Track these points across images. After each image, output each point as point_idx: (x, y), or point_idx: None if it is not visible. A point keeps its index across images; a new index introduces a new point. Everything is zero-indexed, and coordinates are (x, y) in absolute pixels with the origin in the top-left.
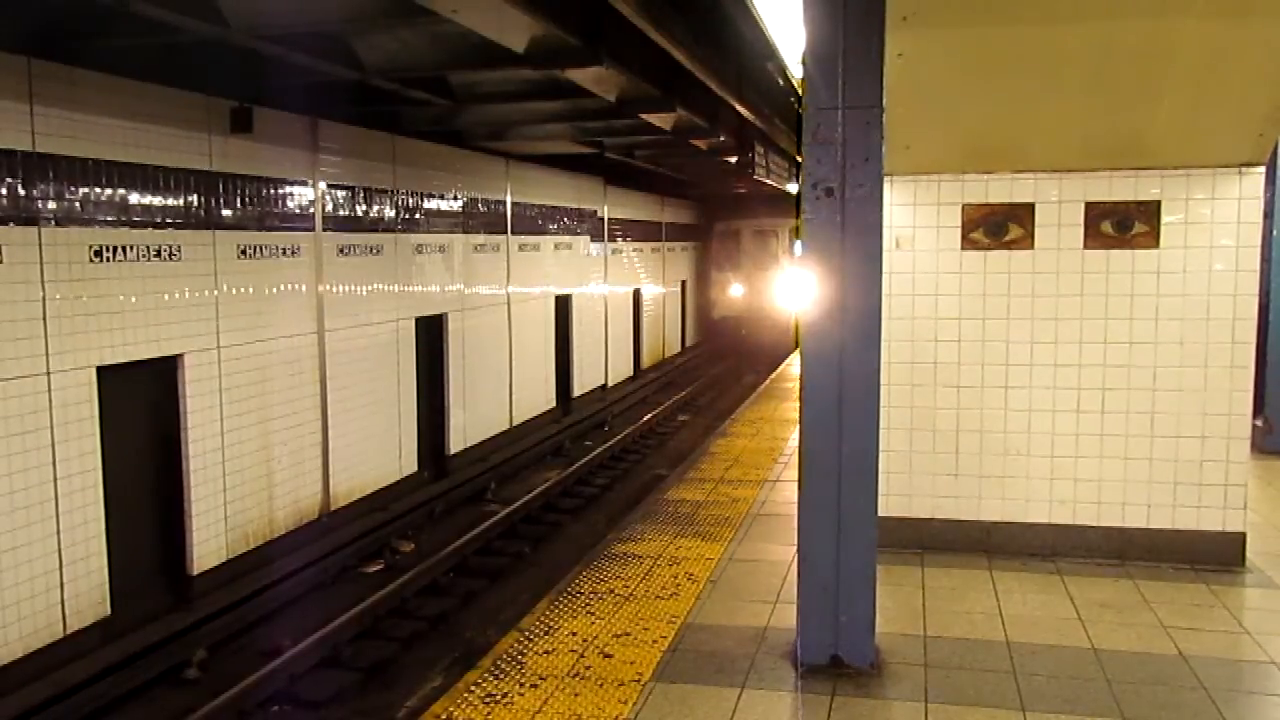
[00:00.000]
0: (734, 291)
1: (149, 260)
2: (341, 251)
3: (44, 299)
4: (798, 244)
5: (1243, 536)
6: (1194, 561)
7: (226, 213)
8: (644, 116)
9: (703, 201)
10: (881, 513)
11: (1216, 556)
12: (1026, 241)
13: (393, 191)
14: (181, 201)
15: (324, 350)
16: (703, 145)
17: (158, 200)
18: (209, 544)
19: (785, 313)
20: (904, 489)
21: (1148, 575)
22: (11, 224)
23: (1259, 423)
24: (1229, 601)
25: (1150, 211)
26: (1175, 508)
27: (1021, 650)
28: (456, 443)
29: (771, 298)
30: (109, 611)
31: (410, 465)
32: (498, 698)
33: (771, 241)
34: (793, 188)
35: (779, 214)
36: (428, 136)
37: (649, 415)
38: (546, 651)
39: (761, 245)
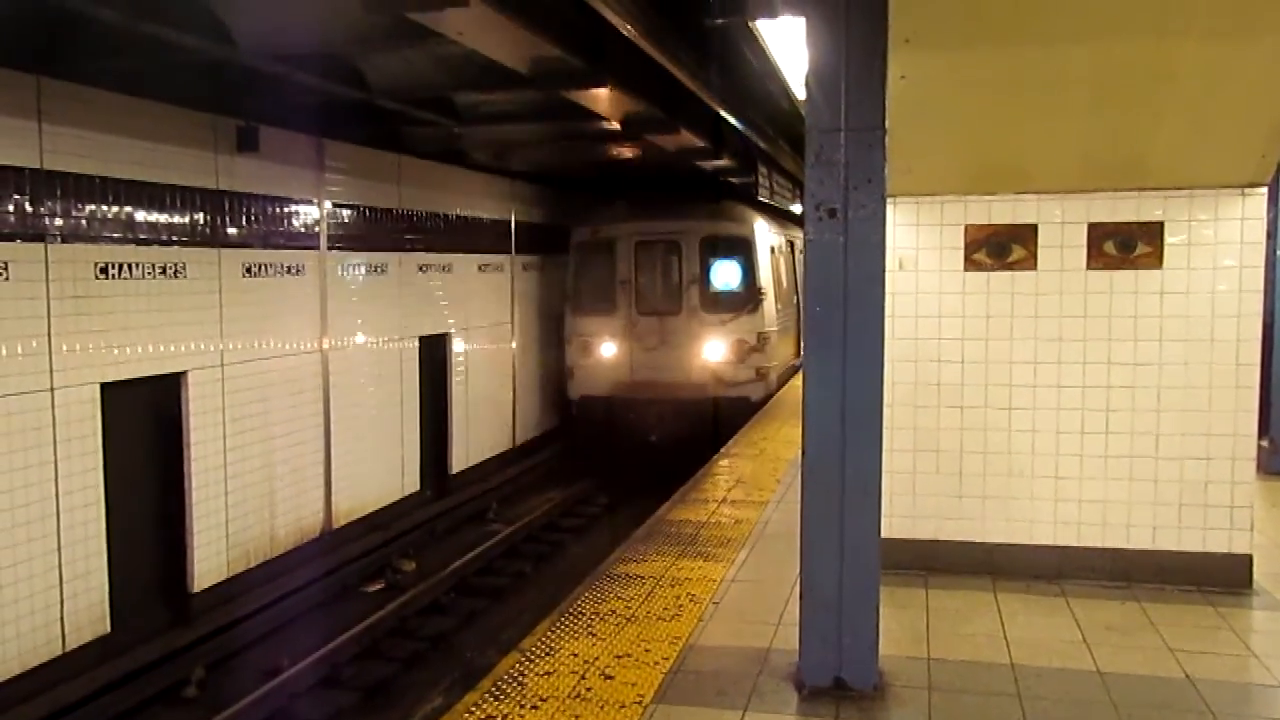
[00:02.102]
0: (605, 351)
1: (154, 278)
2: (346, 270)
3: (49, 315)
4: (757, 260)
5: (1249, 558)
6: (1200, 583)
7: (232, 231)
8: (647, 137)
9: (551, 188)
10: (885, 534)
11: (1223, 578)
12: (1030, 262)
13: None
14: (187, 219)
15: (327, 368)
16: (707, 167)
17: (164, 218)
18: (209, 561)
19: (719, 382)
20: (907, 510)
21: (1153, 597)
22: (18, 240)
23: (1264, 444)
24: (1236, 624)
25: (1153, 232)
26: (1181, 529)
27: (1026, 673)
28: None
29: (688, 360)
30: (108, 629)
31: (413, 484)
32: (497, 719)
33: (682, 259)
34: (797, 208)
35: (701, 211)
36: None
37: None
38: (547, 673)
39: (664, 267)
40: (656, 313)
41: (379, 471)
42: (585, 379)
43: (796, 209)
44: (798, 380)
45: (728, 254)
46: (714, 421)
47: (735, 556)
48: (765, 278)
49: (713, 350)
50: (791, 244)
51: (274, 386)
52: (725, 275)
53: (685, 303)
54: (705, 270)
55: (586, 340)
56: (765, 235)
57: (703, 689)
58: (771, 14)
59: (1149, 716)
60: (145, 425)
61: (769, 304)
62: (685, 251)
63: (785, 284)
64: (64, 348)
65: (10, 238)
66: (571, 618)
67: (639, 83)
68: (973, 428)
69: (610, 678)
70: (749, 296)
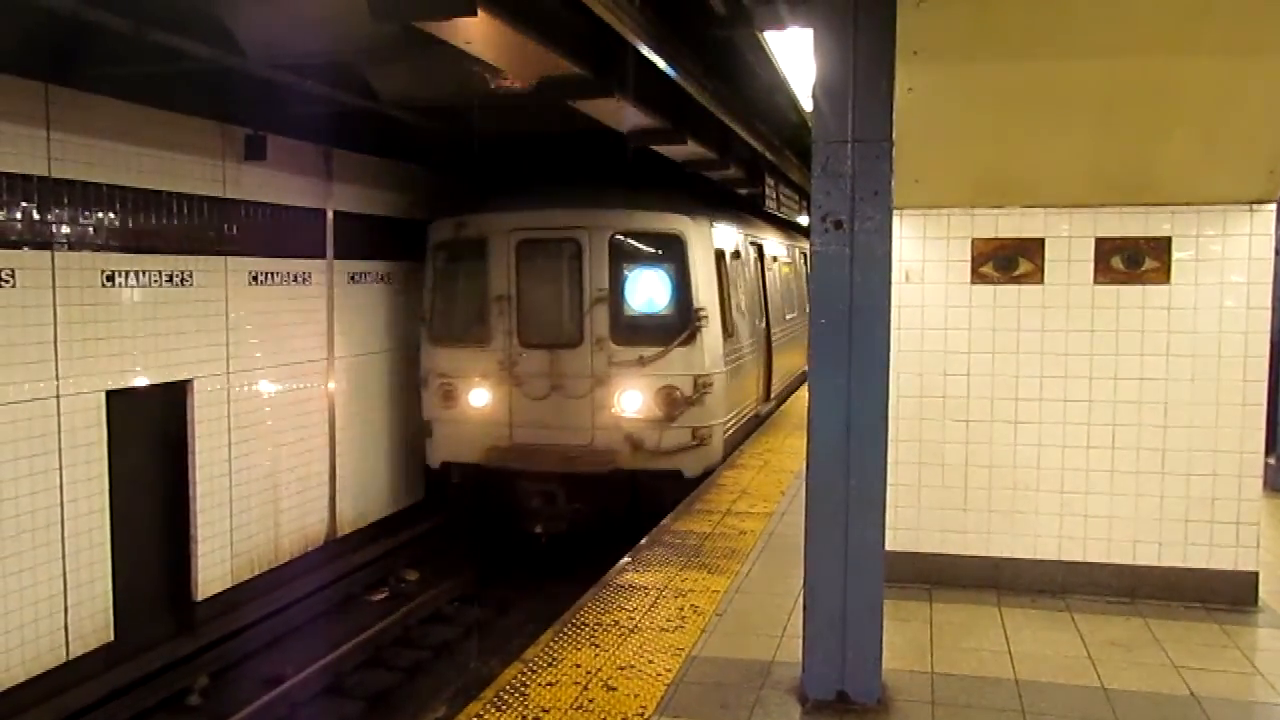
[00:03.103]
0: (475, 400)
1: (160, 285)
2: (352, 279)
3: (55, 322)
4: (693, 269)
5: (1255, 576)
6: (1206, 600)
7: (239, 239)
8: (655, 148)
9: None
10: (889, 547)
11: (1228, 595)
12: (1036, 276)
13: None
14: (194, 227)
15: (333, 376)
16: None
17: (170, 226)
18: (214, 569)
19: (637, 450)
20: (912, 523)
21: (1159, 614)
22: (25, 248)
23: (1271, 461)
24: (1241, 641)
25: (1161, 247)
26: (1187, 545)
27: (1030, 689)
28: None
29: (592, 416)
30: (112, 637)
31: (417, 492)
32: None
33: (585, 267)
34: (803, 220)
35: (614, 198)
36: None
37: None
38: (550, 683)
39: (559, 279)
40: (547, 345)
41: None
42: (447, 439)
43: (803, 220)
44: (803, 392)
45: (652, 260)
46: (630, 507)
47: (739, 568)
48: (706, 294)
49: (629, 401)
50: (759, 247)
51: (283, 394)
52: (647, 290)
53: (588, 330)
54: (618, 283)
55: (449, 383)
56: (710, 233)
57: (705, 701)
58: (779, 25)
59: None
60: (150, 433)
61: (712, 333)
62: (589, 255)
63: (750, 302)
64: (70, 355)
65: (18, 245)
66: (574, 628)
67: (646, 93)
68: (978, 441)
69: (613, 689)
70: (682, 322)
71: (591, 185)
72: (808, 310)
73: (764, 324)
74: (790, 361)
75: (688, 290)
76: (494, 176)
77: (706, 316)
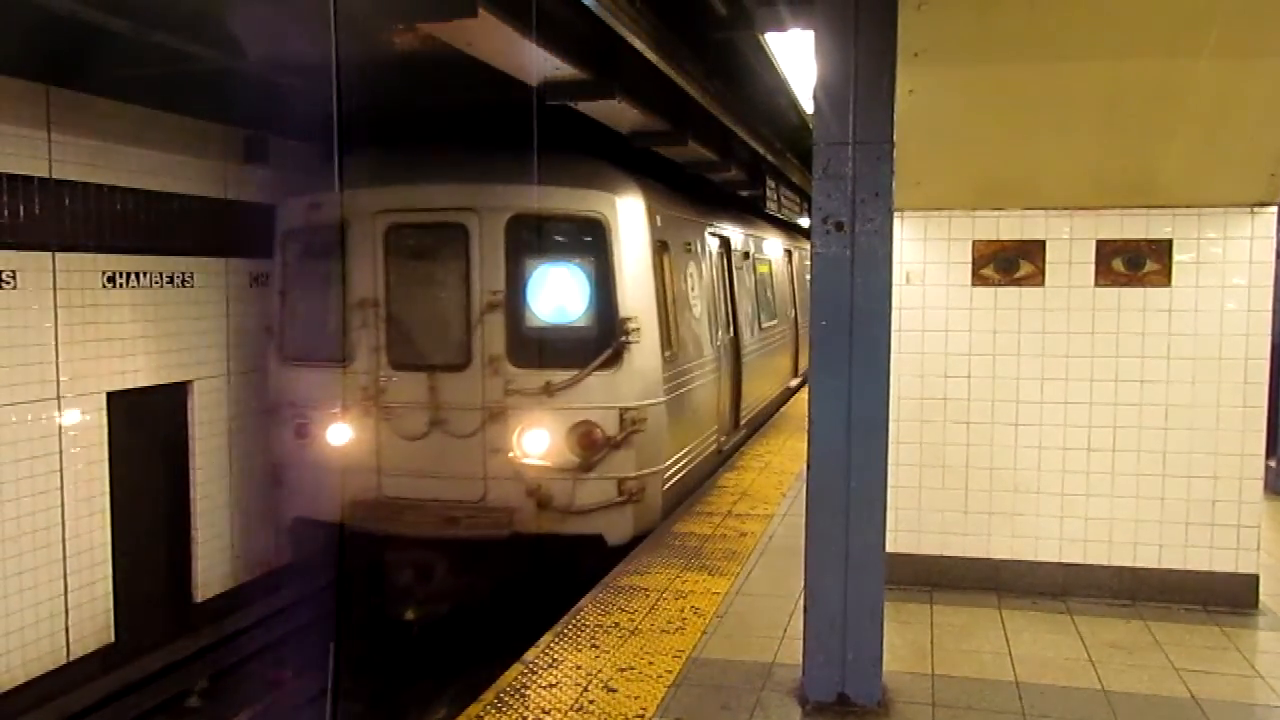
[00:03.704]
0: (334, 438)
1: (161, 287)
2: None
3: (56, 324)
4: (619, 265)
5: (1255, 578)
6: (1206, 603)
7: (240, 240)
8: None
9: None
10: (889, 549)
11: (1229, 598)
12: (1037, 278)
13: None
14: (195, 228)
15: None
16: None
17: (171, 227)
18: (214, 570)
19: (544, 508)
20: (912, 525)
21: (1159, 616)
22: (27, 249)
23: (1272, 463)
24: (1241, 644)
25: (1162, 250)
26: (1187, 548)
27: (1031, 691)
28: None
29: (483, 461)
30: (112, 638)
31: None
32: None
33: (474, 262)
34: (804, 221)
35: (512, 169)
36: None
37: None
38: (550, 685)
39: (440, 277)
40: (425, 366)
41: None
42: (301, 489)
43: (804, 222)
44: (803, 394)
45: (564, 252)
46: (534, 583)
47: (740, 570)
48: (638, 298)
49: (532, 443)
50: (724, 240)
51: None
52: (558, 294)
53: (478, 347)
54: (518, 284)
55: (302, 415)
56: (647, 218)
57: (706, 703)
58: (780, 27)
59: None
60: (151, 434)
61: (645, 350)
62: (479, 246)
63: (709, 308)
64: (71, 357)
65: (19, 246)
66: (575, 630)
67: (647, 95)
68: (979, 443)
69: (613, 690)
70: (603, 336)
71: (485, 151)
72: (793, 316)
73: (730, 335)
74: (767, 379)
75: (611, 294)
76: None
77: (638, 329)
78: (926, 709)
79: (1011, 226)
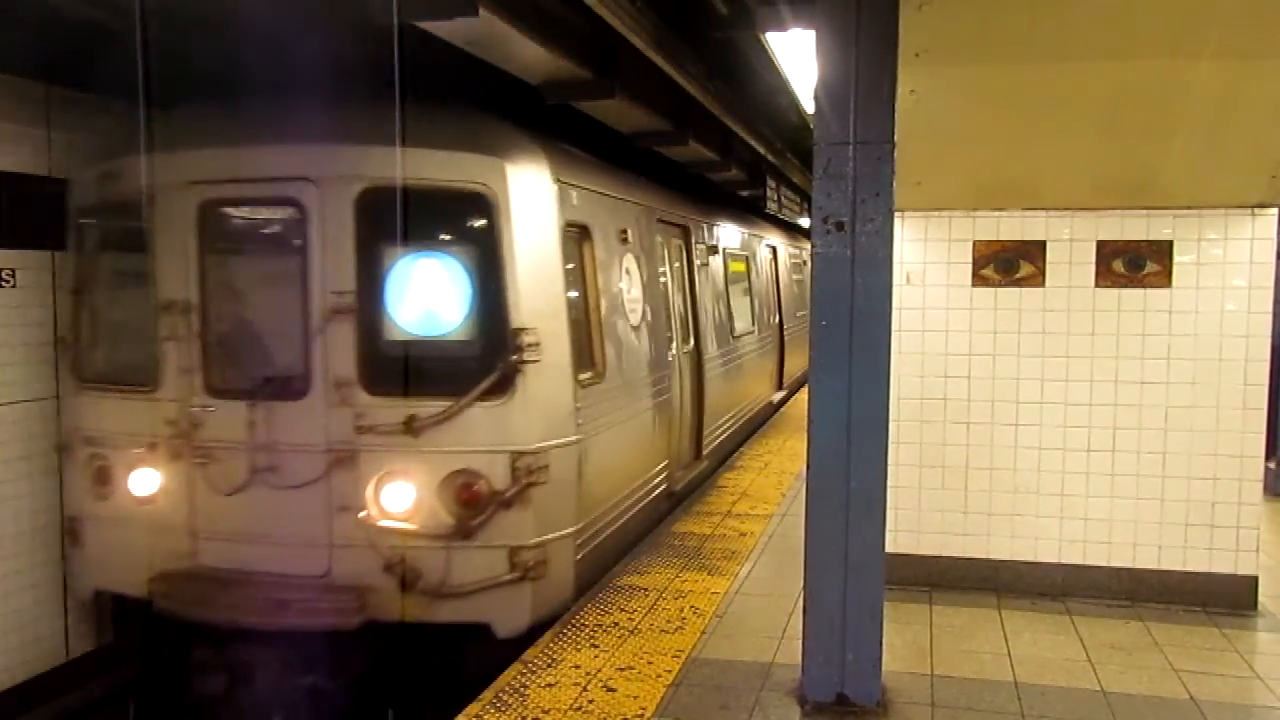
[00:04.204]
0: (136, 487)
1: None
2: None
3: (55, 321)
4: (510, 254)
5: (1255, 580)
6: (1205, 604)
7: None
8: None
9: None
10: (889, 549)
11: (1228, 599)
12: (1038, 279)
13: None
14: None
15: None
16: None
17: None
18: None
19: (410, 589)
20: (912, 525)
21: (1158, 617)
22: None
23: (1271, 465)
24: (1240, 645)
25: (1162, 251)
26: (1187, 549)
27: (1030, 691)
28: None
29: (328, 523)
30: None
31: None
32: None
33: (314, 249)
34: (804, 221)
35: (367, 124)
36: None
37: None
38: (549, 684)
39: (271, 271)
40: (250, 393)
41: None
42: (103, 553)
43: (804, 222)
44: (803, 394)
45: (436, 239)
46: (398, 688)
47: (739, 570)
48: (540, 301)
49: (393, 498)
50: (682, 229)
51: None
52: (427, 296)
53: (320, 367)
54: (374, 281)
55: (102, 455)
56: (555, 194)
57: (705, 703)
58: (781, 27)
59: None
60: None
61: (550, 373)
62: (320, 229)
63: (655, 315)
64: None
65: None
66: (574, 629)
67: (647, 94)
68: (979, 444)
69: (613, 690)
70: (489, 354)
71: (331, 101)
72: (776, 321)
73: (691, 346)
74: (740, 396)
75: (501, 295)
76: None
77: (537, 344)
78: (926, 709)
79: (1012, 227)
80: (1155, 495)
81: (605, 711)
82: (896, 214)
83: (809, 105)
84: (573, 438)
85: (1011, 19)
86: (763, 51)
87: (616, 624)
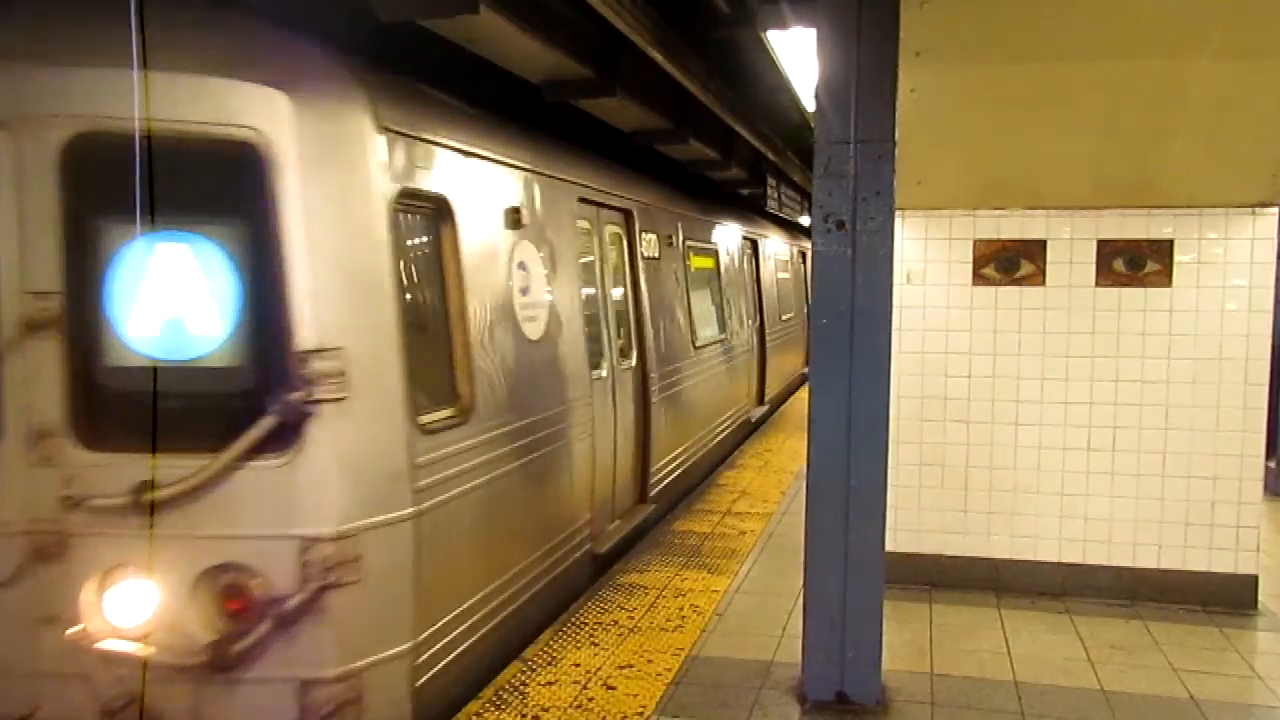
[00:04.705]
0: None
1: None
2: None
3: None
4: (282, 230)
5: (1255, 579)
6: (1205, 603)
7: None
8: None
9: None
10: (889, 548)
11: (1228, 599)
12: (1038, 278)
13: None
14: None
15: None
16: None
17: None
18: None
19: None
20: (912, 524)
21: (1158, 616)
22: None
23: (1272, 464)
24: (1240, 645)
25: (1163, 250)
26: (1186, 549)
27: (1030, 690)
28: None
29: (52, 622)
30: None
31: None
32: None
33: (23, 213)
34: (805, 220)
35: (100, 45)
36: None
37: None
38: (549, 682)
39: None
40: None
41: None
42: None
43: (805, 221)
44: (802, 392)
45: (182, 210)
46: None
47: (739, 568)
48: (346, 307)
49: (122, 606)
50: (626, 214)
51: None
52: (169, 299)
53: (11, 408)
54: (88, 277)
55: None
56: (372, 146)
57: (705, 701)
58: (782, 25)
59: None
60: None
61: (366, 413)
62: (8, 197)
63: (565, 322)
64: None
65: None
66: (574, 627)
67: (648, 93)
68: (979, 443)
69: (612, 688)
70: (263, 386)
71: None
72: (754, 325)
73: (633, 362)
74: (702, 418)
75: (281, 300)
76: None
77: (342, 374)
78: (925, 708)
79: (1012, 226)
80: (1155, 494)
81: (605, 709)
82: (897, 213)
83: (810, 104)
84: (405, 511)
85: (1012, 18)
86: (764, 50)
87: (616, 622)
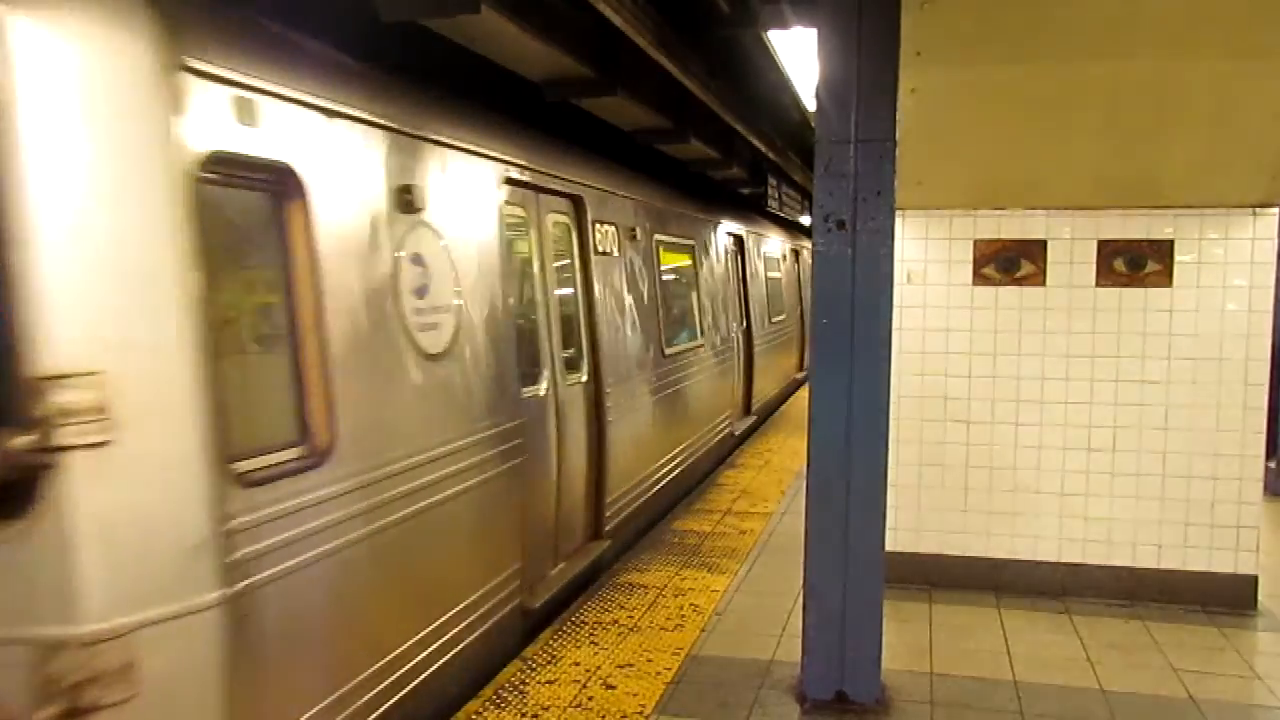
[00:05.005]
0: None
1: None
2: None
3: None
4: None
5: (1255, 579)
6: (1205, 604)
7: None
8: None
9: None
10: (889, 548)
11: (1228, 599)
12: (1038, 278)
13: None
14: None
15: None
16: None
17: None
18: None
19: None
20: (912, 524)
21: (1158, 617)
22: None
23: (1272, 465)
24: (1240, 645)
25: (1163, 250)
26: (1186, 549)
27: (1029, 690)
28: None
29: None
30: None
31: None
32: None
33: None
34: (805, 220)
35: None
36: None
37: None
38: (549, 681)
39: None
40: None
41: None
42: None
43: (805, 220)
44: (803, 393)
45: None
46: None
47: (739, 568)
48: (102, 306)
49: None
50: (577, 203)
51: None
52: None
53: None
54: None
55: None
56: (170, 89)
57: (704, 700)
58: (783, 25)
59: None
60: None
61: (150, 462)
62: None
63: (482, 328)
64: None
65: None
66: (574, 626)
67: (648, 92)
68: (979, 442)
69: (612, 687)
70: None
71: None
72: (743, 329)
73: (583, 375)
74: (671, 436)
75: (7, 300)
76: None
77: (103, 410)
78: (925, 707)
79: (1013, 226)
80: (1155, 494)
81: (605, 708)
82: (898, 212)
83: (810, 103)
84: (208, 597)
85: (1013, 18)
86: (764, 49)
87: (616, 621)
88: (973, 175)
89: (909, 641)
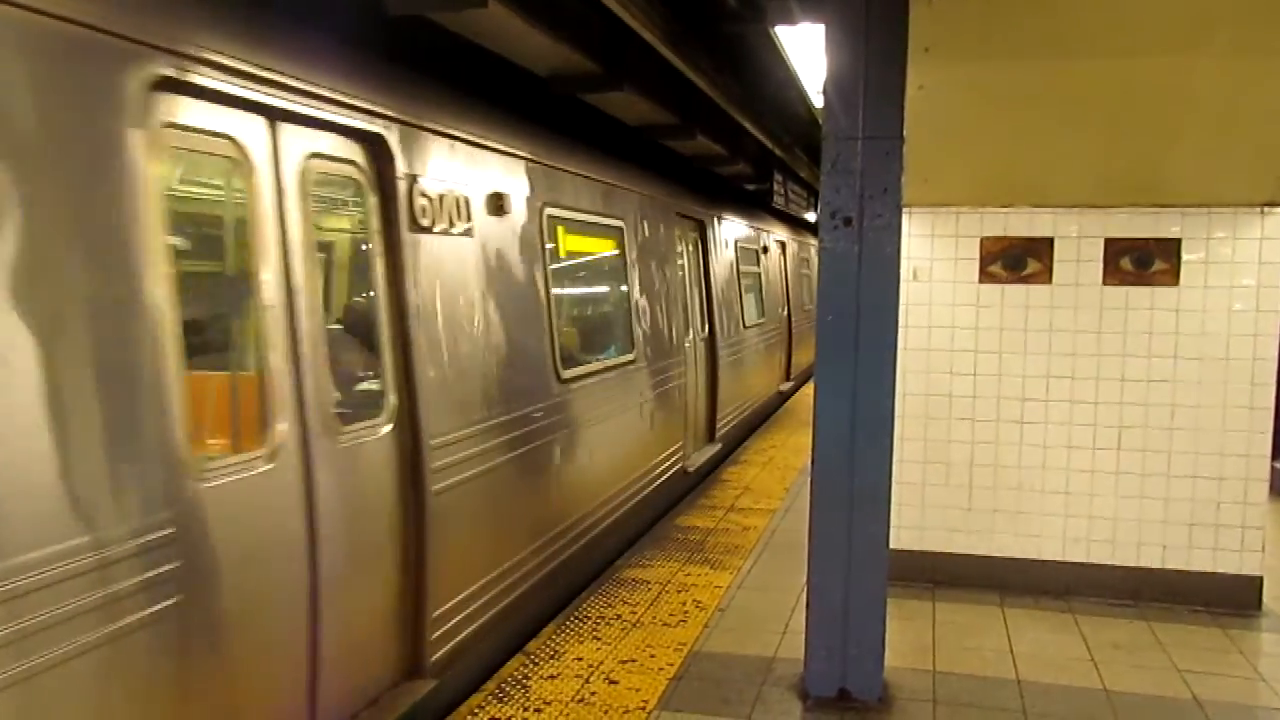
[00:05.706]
0: None
1: None
2: None
3: None
4: None
5: (1260, 580)
6: (1209, 604)
7: None
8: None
9: None
10: (893, 545)
11: (1232, 600)
12: (1044, 276)
13: None
14: None
15: None
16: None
17: None
18: None
19: None
20: (916, 522)
21: (1162, 617)
22: None
23: (1278, 465)
24: (1244, 646)
25: (1170, 249)
26: (1191, 549)
27: (1032, 689)
28: None
29: None
30: None
31: None
32: None
33: None
34: (811, 216)
35: None
36: None
37: None
38: (551, 676)
39: None
40: None
41: None
42: None
43: (811, 217)
44: (808, 389)
45: None
46: None
47: (742, 564)
48: None
49: None
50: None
51: None
52: None
53: None
54: None
55: None
56: None
57: (707, 696)
58: (790, 21)
59: None
60: None
61: None
62: None
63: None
64: None
65: None
66: (577, 621)
67: (656, 88)
68: (983, 441)
69: (614, 683)
70: None
71: None
72: (704, 339)
73: (390, 427)
74: (601, 478)
75: None
76: None
77: None
78: (927, 705)
79: (1019, 224)
80: (1160, 494)
81: (607, 704)
82: (904, 209)
83: (818, 100)
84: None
85: (1020, 15)
86: (772, 46)
87: (619, 617)
88: (980, 172)
89: (912, 639)
